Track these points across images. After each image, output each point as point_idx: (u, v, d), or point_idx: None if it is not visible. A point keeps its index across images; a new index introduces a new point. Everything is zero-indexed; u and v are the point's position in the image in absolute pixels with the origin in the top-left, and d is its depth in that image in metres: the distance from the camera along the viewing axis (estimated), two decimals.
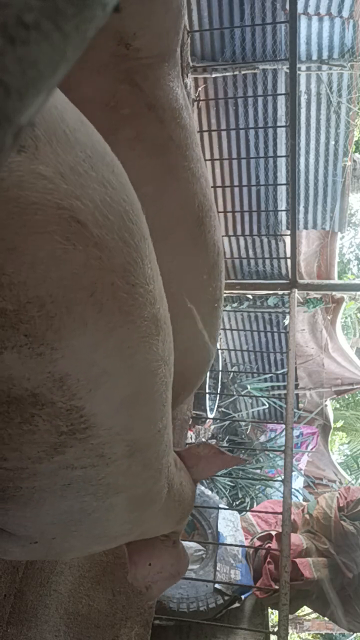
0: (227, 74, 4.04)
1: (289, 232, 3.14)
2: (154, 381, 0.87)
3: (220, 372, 5.47)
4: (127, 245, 0.74)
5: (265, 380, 6.04)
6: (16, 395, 0.70)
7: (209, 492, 3.53)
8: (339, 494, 3.21)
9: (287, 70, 2.79)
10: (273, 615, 4.49)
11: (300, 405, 6.27)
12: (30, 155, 0.60)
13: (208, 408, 4.81)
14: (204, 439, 5.36)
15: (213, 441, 5.74)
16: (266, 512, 3.40)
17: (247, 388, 5.75)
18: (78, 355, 0.70)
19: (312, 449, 6.28)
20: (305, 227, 4.91)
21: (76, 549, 1.10)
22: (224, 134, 4.39)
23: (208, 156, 4.46)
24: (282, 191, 4.67)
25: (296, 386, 5.94)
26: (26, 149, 0.60)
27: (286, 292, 3.33)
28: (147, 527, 1.20)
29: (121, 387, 0.79)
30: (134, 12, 1.07)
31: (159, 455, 0.99)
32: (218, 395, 5.45)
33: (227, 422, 6.04)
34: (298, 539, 3.06)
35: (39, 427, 0.73)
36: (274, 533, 3.16)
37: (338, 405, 8.70)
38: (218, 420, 5.73)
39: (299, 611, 4.87)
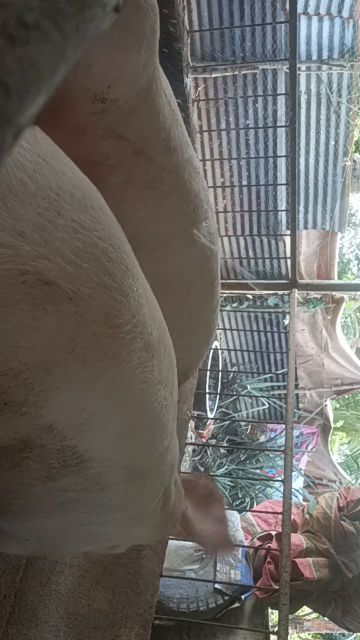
0: (227, 74, 4.04)
1: (289, 232, 3.14)
2: (151, 408, 0.84)
3: (220, 372, 5.47)
4: (107, 289, 0.70)
5: (265, 380, 6.04)
6: (4, 445, 0.68)
7: None
8: (339, 494, 3.21)
9: (287, 70, 2.79)
10: (273, 615, 4.49)
11: (300, 405, 6.27)
12: None
13: (208, 408, 4.81)
14: (204, 440, 5.36)
15: (213, 441, 5.74)
16: (266, 512, 3.40)
17: (247, 388, 5.75)
18: (65, 407, 0.68)
19: (312, 449, 6.28)
20: (305, 227, 4.91)
21: (75, 549, 1.10)
22: (224, 134, 4.39)
23: (208, 156, 4.46)
24: (282, 191, 4.67)
25: (296, 386, 5.94)
26: None
27: (286, 292, 3.33)
28: (135, 537, 1.20)
29: (115, 422, 0.77)
30: (103, 66, 0.94)
31: (159, 478, 0.97)
32: (218, 395, 5.45)
33: (227, 422, 6.04)
34: (298, 539, 3.06)
35: (30, 467, 0.71)
36: (274, 533, 3.16)
37: (338, 405, 8.70)
38: (218, 420, 5.73)
39: (299, 611, 4.86)
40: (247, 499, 5.30)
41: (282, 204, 4.70)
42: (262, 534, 3.26)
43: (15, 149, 0.61)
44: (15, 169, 0.60)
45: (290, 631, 2.92)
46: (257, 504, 5.06)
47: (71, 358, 0.66)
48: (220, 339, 5.90)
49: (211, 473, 5.05)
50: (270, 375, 6.03)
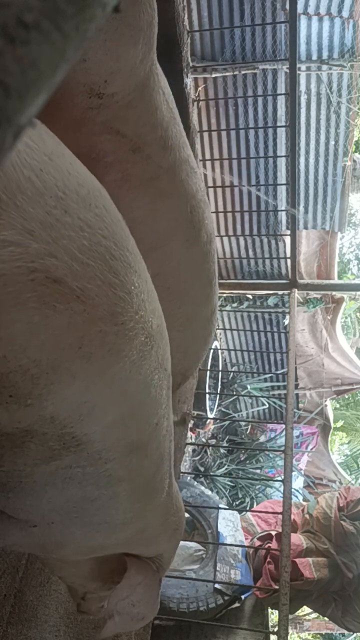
0: (227, 74, 4.04)
1: (289, 232, 3.14)
2: (148, 392, 0.86)
3: (220, 372, 5.46)
4: (112, 287, 0.71)
5: (265, 380, 6.04)
6: (7, 431, 0.70)
7: (209, 492, 3.53)
8: (339, 494, 3.21)
9: (287, 70, 2.79)
10: (273, 615, 4.49)
11: (300, 405, 6.27)
12: None
13: (208, 408, 4.81)
14: (204, 439, 5.36)
15: (213, 441, 5.74)
16: (266, 512, 3.40)
17: (247, 388, 5.75)
18: (68, 400, 0.70)
19: (312, 449, 6.28)
20: (305, 227, 4.91)
21: (76, 538, 1.10)
22: (224, 134, 4.39)
23: (208, 156, 4.46)
24: (282, 191, 4.67)
25: (296, 386, 5.94)
26: None
27: (286, 292, 3.33)
28: (147, 523, 1.19)
29: (114, 410, 0.79)
30: (100, 60, 0.92)
31: (160, 443, 1.00)
32: (218, 395, 5.45)
33: (227, 422, 6.04)
34: (298, 539, 3.06)
35: (31, 449, 0.73)
36: (274, 533, 3.16)
37: (338, 405, 8.70)
38: (218, 420, 5.73)
39: (299, 611, 4.87)
40: (247, 499, 5.30)
41: (282, 204, 4.70)
42: (262, 534, 3.26)
43: (22, 147, 0.62)
44: (23, 167, 0.60)
45: (290, 631, 2.92)
46: (257, 504, 5.06)
47: (78, 355, 0.67)
48: (220, 339, 5.90)
49: (211, 473, 5.05)
50: (270, 375, 6.03)
